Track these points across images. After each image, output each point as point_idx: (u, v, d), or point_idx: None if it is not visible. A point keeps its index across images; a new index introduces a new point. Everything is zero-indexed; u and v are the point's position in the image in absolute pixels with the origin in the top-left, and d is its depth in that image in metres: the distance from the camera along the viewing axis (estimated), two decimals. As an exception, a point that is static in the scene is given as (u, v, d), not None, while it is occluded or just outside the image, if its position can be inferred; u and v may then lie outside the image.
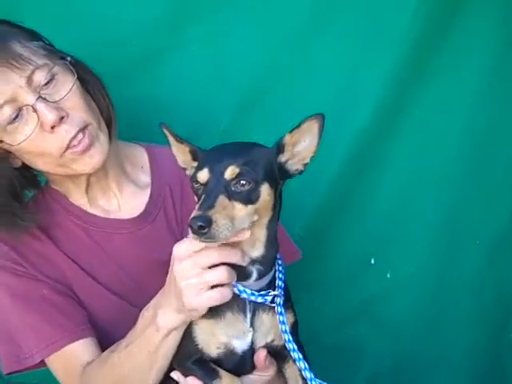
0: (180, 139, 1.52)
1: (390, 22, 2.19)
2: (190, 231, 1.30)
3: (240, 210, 1.34)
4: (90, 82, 1.73)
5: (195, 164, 1.49)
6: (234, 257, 1.40)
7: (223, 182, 1.34)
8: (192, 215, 1.30)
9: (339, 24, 2.20)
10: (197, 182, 1.39)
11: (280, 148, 1.43)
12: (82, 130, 1.62)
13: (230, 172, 1.34)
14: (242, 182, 1.34)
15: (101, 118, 1.73)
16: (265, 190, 1.38)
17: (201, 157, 1.47)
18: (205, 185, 1.37)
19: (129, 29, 2.09)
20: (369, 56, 2.23)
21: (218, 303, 1.41)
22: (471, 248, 2.54)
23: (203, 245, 1.36)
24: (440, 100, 2.35)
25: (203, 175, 1.37)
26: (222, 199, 1.32)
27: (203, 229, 1.27)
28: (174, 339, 1.50)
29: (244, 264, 1.44)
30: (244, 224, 1.36)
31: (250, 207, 1.36)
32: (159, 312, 1.47)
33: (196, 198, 1.40)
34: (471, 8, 2.24)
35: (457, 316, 2.61)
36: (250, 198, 1.35)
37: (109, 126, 1.76)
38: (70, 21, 2.05)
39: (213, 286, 1.39)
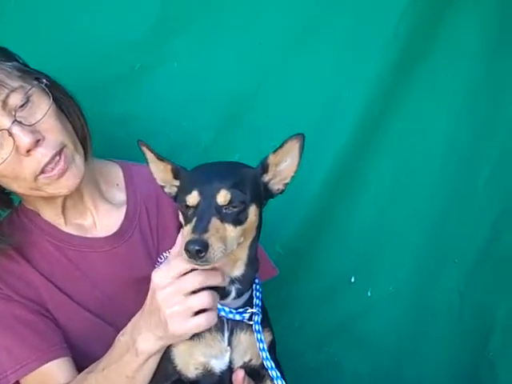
0: (160, 157, 1.49)
1: (371, 37, 2.20)
2: (185, 255, 1.28)
3: (231, 231, 1.34)
4: (64, 103, 1.70)
5: (176, 183, 1.48)
6: (216, 279, 1.39)
7: (214, 204, 1.33)
8: (187, 239, 1.29)
9: (319, 43, 2.21)
10: (185, 204, 1.37)
11: (264, 168, 1.44)
12: (59, 152, 1.60)
13: (223, 196, 1.33)
14: (233, 204, 1.34)
15: (76, 138, 1.70)
16: (252, 211, 1.38)
17: (185, 177, 1.45)
18: (195, 207, 1.35)
19: (109, 45, 2.07)
20: (349, 71, 2.24)
21: (203, 329, 1.40)
22: (450, 267, 2.55)
23: (182, 270, 1.35)
24: (422, 117, 2.36)
25: (193, 198, 1.35)
26: (215, 221, 1.31)
27: (200, 253, 1.26)
28: (153, 363, 1.48)
29: (225, 285, 1.43)
30: (234, 245, 1.35)
31: (239, 228, 1.35)
32: (139, 337, 1.44)
33: (183, 219, 1.39)
34: (456, 22, 2.26)
35: (436, 335, 2.61)
36: (239, 220, 1.35)
37: (84, 145, 1.73)
38: (49, 38, 2.03)
39: (197, 312, 1.37)
